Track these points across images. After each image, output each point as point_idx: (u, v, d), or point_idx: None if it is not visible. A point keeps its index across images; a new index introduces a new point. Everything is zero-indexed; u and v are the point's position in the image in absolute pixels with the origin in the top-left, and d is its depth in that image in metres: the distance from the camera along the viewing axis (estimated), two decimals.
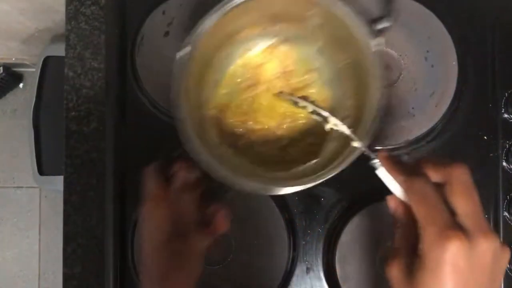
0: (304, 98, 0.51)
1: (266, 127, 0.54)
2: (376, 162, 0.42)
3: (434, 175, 0.37)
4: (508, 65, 0.54)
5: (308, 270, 0.62)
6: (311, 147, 0.54)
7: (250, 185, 0.45)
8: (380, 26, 0.48)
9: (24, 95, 1.46)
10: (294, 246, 0.61)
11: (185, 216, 0.44)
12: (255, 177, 0.48)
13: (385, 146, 0.62)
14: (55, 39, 1.12)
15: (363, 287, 0.60)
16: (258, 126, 0.54)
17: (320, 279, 0.62)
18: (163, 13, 0.62)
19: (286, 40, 0.55)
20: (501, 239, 0.62)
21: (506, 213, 0.62)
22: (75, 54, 0.65)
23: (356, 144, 0.46)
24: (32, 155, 1.03)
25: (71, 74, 0.65)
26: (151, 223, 0.43)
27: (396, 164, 0.40)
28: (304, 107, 0.52)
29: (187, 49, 0.46)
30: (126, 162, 0.63)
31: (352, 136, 0.47)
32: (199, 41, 0.46)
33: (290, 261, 0.61)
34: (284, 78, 0.55)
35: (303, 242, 0.62)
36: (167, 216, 0.43)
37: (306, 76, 0.55)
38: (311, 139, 0.54)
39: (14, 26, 1.01)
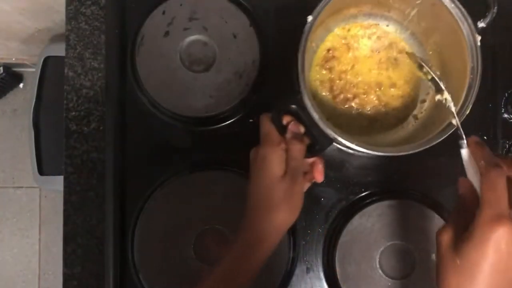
0: (429, 67, 0.55)
1: (355, 98, 0.59)
2: (464, 142, 0.45)
3: (509, 170, 0.42)
4: (508, 65, 0.54)
5: (308, 270, 0.62)
6: (396, 119, 0.59)
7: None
8: (481, 24, 0.52)
9: (24, 95, 1.45)
10: (294, 246, 0.61)
11: (294, 161, 0.50)
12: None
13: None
14: (55, 39, 1.12)
15: (363, 287, 0.60)
16: (349, 95, 0.59)
17: (320, 279, 0.62)
18: (163, 13, 0.62)
19: (382, 23, 0.59)
20: None
21: None
22: (75, 54, 0.66)
23: (454, 121, 0.49)
24: (32, 155, 1.03)
25: (71, 74, 0.65)
26: (269, 160, 0.50)
27: (481, 150, 0.44)
28: (426, 73, 0.55)
29: (314, 14, 0.51)
30: (126, 162, 0.63)
31: (455, 113, 0.50)
32: (322, 11, 0.51)
33: (290, 261, 0.61)
34: (375, 55, 0.59)
35: (303, 242, 0.62)
36: (282, 158, 0.50)
37: (396, 56, 0.59)
38: (398, 112, 0.59)
39: (14, 26, 1.01)
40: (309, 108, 0.50)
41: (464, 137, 0.46)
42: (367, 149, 0.50)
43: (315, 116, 0.50)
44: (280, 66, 0.64)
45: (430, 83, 0.56)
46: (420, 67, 0.57)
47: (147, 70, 0.62)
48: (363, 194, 0.63)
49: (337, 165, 0.63)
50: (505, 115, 0.63)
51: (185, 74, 0.62)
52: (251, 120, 0.63)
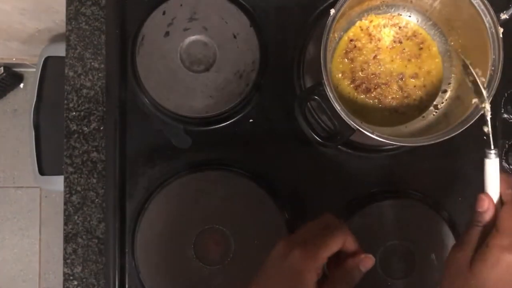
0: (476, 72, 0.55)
1: (376, 88, 0.59)
2: (493, 152, 0.45)
3: None
4: (508, 65, 0.54)
5: None
6: (417, 110, 0.59)
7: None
8: (503, 16, 0.54)
9: (25, 95, 1.46)
10: None
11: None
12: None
13: (387, 145, 0.62)
14: (55, 39, 1.12)
15: (363, 287, 0.60)
16: (370, 85, 0.59)
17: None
18: (163, 13, 0.62)
19: (404, 13, 0.60)
20: None
21: None
22: (76, 54, 0.66)
23: (485, 129, 0.48)
24: (32, 155, 1.03)
25: (71, 74, 0.65)
26: (301, 281, 0.43)
27: (508, 177, 0.45)
28: (469, 74, 0.55)
29: (337, 7, 0.51)
30: (126, 162, 0.63)
31: (489, 122, 0.48)
32: (344, 4, 0.51)
33: None
34: (397, 45, 0.60)
35: None
36: (315, 279, 0.44)
37: (419, 46, 0.60)
38: (419, 102, 0.59)
39: (14, 26, 1.01)
40: (331, 99, 0.50)
41: (492, 146, 0.45)
42: (388, 139, 0.50)
43: (337, 106, 0.50)
44: (280, 66, 0.64)
45: (470, 84, 0.55)
46: (465, 68, 0.56)
47: (147, 70, 0.62)
48: (363, 194, 0.63)
49: (337, 165, 0.63)
50: (505, 115, 0.63)
51: (185, 74, 0.62)
52: (251, 120, 0.64)
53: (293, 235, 0.45)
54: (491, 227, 0.43)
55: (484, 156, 0.45)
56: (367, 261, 0.45)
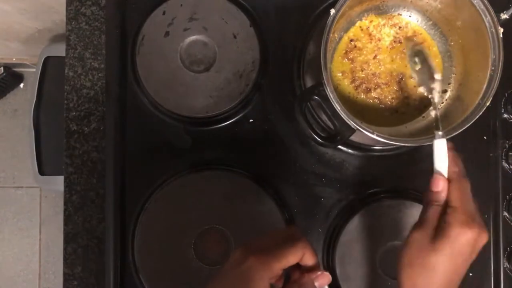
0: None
1: (376, 88, 0.60)
2: (441, 133, 0.47)
3: None
4: (508, 65, 0.54)
5: None
6: (417, 110, 0.59)
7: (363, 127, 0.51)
8: (503, 16, 0.55)
9: (25, 95, 1.46)
10: None
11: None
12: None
13: (387, 145, 0.62)
14: (55, 39, 1.12)
15: (362, 287, 0.60)
16: (370, 85, 0.60)
17: None
18: (164, 13, 0.62)
19: (404, 13, 0.60)
20: (501, 239, 0.62)
21: (505, 213, 0.62)
22: (76, 54, 0.66)
23: (432, 113, 0.52)
24: (32, 155, 1.03)
25: (71, 74, 0.65)
26: (252, 280, 0.42)
27: (457, 157, 0.47)
28: (416, 64, 0.57)
29: (337, 7, 0.51)
30: (126, 162, 0.63)
31: (437, 104, 0.52)
32: (344, 4, 0.51)
33: None
34: (397, 45, 0.60)
35: None
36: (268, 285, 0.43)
37: (417, 46, 0.59)
38: (419, 102, 0.59)
39: (14, 26, 1.01)
40: (331, 99, 0.50)
41: (440, 127, 0.48)
42: (388, 139, 0.50)
43: (337, 106, 0.50)
44: (280, 66, 0.64)
45: (414, 74, 0.57)
46: (412, 55, 0.57)
47: (147, 70, 0.62)
48: (363, 194, 0.63)
49: (337, 165, 0.63)
50: (505, 115, 0.63)
51: (185, 74, 0.62)
52: (251, 120, 0.64)
53: (252, 243, 0.45)
54: (445, 205, 0.45)
55: (433, 137, 0.48)
56: (323, 278, 0.45)
